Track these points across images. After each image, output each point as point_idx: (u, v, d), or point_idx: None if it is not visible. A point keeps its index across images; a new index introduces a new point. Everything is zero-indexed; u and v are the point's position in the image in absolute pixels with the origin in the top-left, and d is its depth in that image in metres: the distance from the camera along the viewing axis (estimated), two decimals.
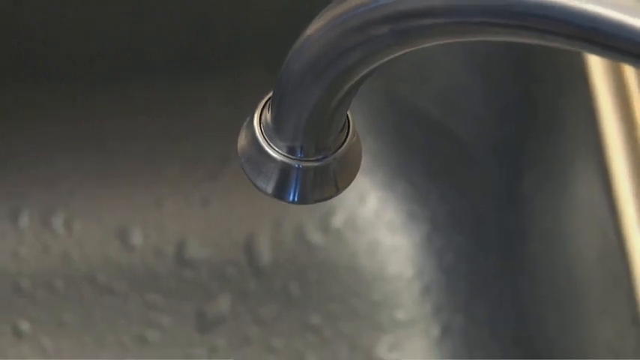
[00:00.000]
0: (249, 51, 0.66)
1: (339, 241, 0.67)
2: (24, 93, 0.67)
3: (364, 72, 0.36)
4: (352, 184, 0.40)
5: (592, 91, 0.52)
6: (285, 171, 0.39)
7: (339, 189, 0.40)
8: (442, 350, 0.64)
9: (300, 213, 0.66)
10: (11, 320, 0.64)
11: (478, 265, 0.65)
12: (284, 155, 0.39)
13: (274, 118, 0.39)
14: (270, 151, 0.39)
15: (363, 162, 0.40)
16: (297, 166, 0.39)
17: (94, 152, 0.67)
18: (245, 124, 0.39)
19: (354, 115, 0.39)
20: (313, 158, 0.39)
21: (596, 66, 0.53)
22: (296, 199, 0.39)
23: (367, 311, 0.65)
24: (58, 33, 0.65)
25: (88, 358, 0.64)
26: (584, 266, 0.55)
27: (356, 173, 0.40)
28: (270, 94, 0.39)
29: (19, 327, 0.64)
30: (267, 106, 0.39)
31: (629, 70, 0.52)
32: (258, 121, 0.39)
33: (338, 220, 0.67)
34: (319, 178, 0.39)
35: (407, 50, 0.35)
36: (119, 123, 0.67)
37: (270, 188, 0.39)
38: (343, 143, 0.39)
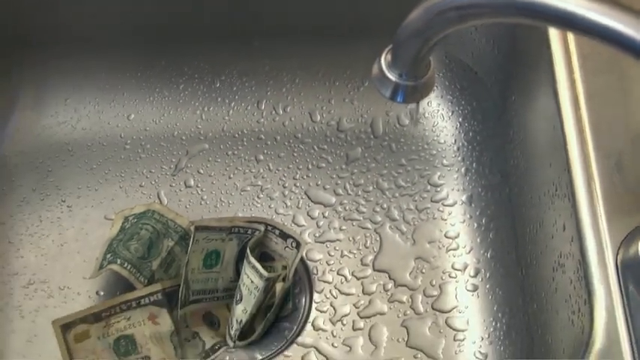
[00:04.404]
0: (376, 26, 0.60)
1: (417, 123, 0.63)
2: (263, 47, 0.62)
3: (439, 36, 0.33)
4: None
5: (550, 49, 0.47)
6: (396, 86, 0.37)
7: (422, 97, 0.37)
8: (465, 179, 0.61)
9: (399, 107, 0.63)
10: (254, 154, 0.63)
11: (484, 138, 0.61)
12: (396, 78, 0.36)
13: (392, 58, 0.36)
14: (389, 75, 0.36)
15: None
16: (402, 83, 0.36)
17: (299, 78, 0.64)
18: (376, 61, 0.37)
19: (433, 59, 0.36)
20: (411, 80, 0.36)
21: (554, 36, 0.48)
22: (400, 100, 0.37)
23: (430, 159, 0.62)
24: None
25: (291, 175, 0.62)
26: (541, 141, 0.51)
27: (432, 90, 0.38)
28: (390, 46, 0.36)
29: (258, 157, 0.63)
30: (388, 52, 0.36)
31: (571, 39, 0.47)
32: (383, 59, 0.36)
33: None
34: (413, 91, 0.37)
35: (463, 26, 0.32)
36: (309, 63, 0.63)
37: (387, 94, 0.37)
38: (426, 73, 0.37)
